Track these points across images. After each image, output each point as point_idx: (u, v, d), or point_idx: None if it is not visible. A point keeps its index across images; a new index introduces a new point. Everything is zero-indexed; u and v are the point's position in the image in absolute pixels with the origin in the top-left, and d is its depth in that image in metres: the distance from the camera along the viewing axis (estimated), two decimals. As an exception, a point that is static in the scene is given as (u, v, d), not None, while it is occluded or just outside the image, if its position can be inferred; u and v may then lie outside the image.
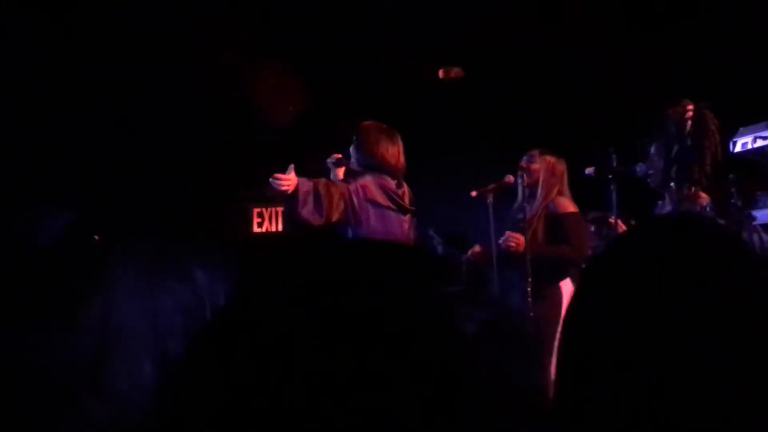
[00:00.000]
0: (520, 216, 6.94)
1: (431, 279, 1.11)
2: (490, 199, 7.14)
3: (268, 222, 10.55)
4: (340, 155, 6.58)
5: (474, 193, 7.27)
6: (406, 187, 6.54)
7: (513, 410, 2.24)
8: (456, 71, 9.03)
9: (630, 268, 1.15)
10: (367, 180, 6.27)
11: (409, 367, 1.04)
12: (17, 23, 8.68)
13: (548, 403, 2.47)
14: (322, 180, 6.22)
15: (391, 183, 6.38)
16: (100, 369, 1.77)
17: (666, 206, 6.01)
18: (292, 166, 6.18)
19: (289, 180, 6.09)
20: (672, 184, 5.94)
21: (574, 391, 1.14)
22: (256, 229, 10.54)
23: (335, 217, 6.16)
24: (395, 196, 6.39)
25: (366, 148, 6.39)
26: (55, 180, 9.80)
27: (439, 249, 9.61)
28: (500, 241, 6.80)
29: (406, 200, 6.50)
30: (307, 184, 6.08)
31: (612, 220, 6.73)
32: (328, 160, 6.64)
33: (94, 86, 9.26)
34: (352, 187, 6.22)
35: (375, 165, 6.36)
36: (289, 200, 6.10)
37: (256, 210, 10.56)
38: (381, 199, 6.30)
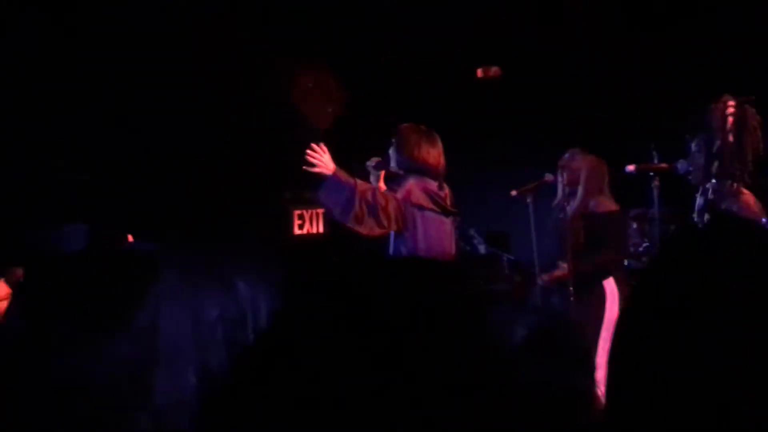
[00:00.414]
0: (561, 215, 6.93)
1: (478, 299, 1.11)
2: (529, 198, 7.15)
3: (309, 224, 10.55)
4: (378, 159, 6.58)
5: (514, 193, 7.28)
6: (447, 189, 6.54)
7: (559, 419, 2.23)
8: (495, 70, 8.99)
9: (683, 276, 1.14)
10: (411, 184, 6.27)
11: (455, 388, 1.03)
12: (29, 22, 8.75)
13: (596, 413, 2.45)
14: (373, 187, 6.24)
15: (434, 185, 6.39)
16: (147, 381, 1.78)
17: (698, 201, 5.98)
18: (322, 144, 6.22)
19: (322, 158, 6.16)
20: (713, 180, 5.91)
21: (627, 405, 1.13)
22: (296, 231, 10.56)
23: (394, 227, 6.18)
24: (438, 199, 6.39)
25: (407, 150, 6.39)
26: (100, 186, 9.87)
27: (481, 249, 9.62)
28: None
29: (448, 202, 6.50)
30: (361, 188, 6.11)
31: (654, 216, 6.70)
32: (368, 164, 6.64)
33: (140, 88, 9.30)
34: (399, 195, 6.23)
35: (417, 167, 6.36)
36: (326, 187, 6.16)
37: (296, 212, 10.57)
38: (425, 202, 6.31)
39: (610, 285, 6.80)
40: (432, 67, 9.29)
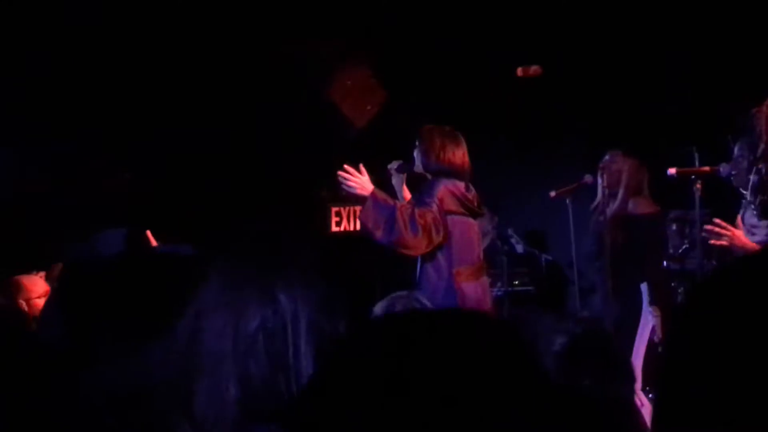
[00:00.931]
0: (601, 218, 6.91)
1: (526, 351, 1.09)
2: (568, 199, 7.12)
3: (346, 221, 10.56)
4: (401, 161, 6.55)
5: (553, 194, 7.25)
6: (473, 190, 6.47)
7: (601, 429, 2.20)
8: (534, 69, 8.97)
9: (739, 300, 1.11)
10: (442, 191, 6.21)
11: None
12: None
13: (636, 423, 2.43)
14: (412, 204, 6.20)
15: (462, 186, 6.33)
16: (190, 390, 1.77)
17: (749, 207, 5.93)
18: (361, 165, 6.19)
19: (357, 178, 6.14)
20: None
21: (677, 420, 1.11)
22: (334, 228, 10.56)
23: (436, 241, 6.17)
24: (467, 201, 6.34)
25: (433, 152, 6.32)
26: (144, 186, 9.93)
27: (519, 248, 9.58)
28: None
29: (476, 203, 6.45)
30: (401, 206, 6.10)
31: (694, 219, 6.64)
32: (390, 167, 6.61)
33: (179, 86, 9.34)
34: (430, 202, 6.18)
35: (443, 169, 6.29)
36: (366, 208, 6.15)
37: (334, 209, 10.59)
38: (455, 207, 6.27)
39: (647, 289, 6.77)
40: (472, 66, 9.26)
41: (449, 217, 6.22)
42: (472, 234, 6.39)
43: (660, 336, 6.72)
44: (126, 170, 10.08)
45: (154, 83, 9.26)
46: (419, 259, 6.25)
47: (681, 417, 1.10)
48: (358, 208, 10.51)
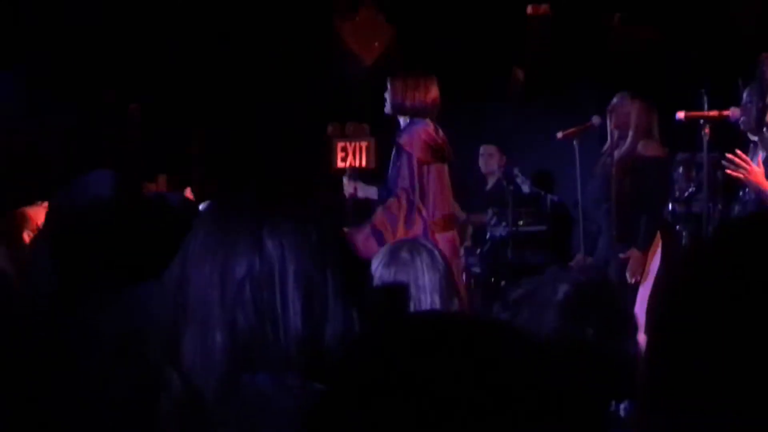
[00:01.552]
0: (609, 160, 6.87)
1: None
2: (575, 141, 7.08)
3: (351, 157, 10.53)
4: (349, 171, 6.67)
5: (560, 135, 7.21)
6: (441, 131, 6.48)
7: (604, 383, 2.18)
8: (545, 8, 8.88)
9: (741, 262, 1.08)
10: (411, 144, 6.26)
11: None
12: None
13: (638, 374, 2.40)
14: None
15: (431, 130, 6.35)
16: (177, 338, 1.75)
17: (758, 152, 5.88)
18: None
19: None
20: (765, 129, 5.81)
21: (666, 382, 1.08)
22: (339, 164, 10.53)
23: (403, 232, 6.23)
24: (437, 147, 6.38)
25: (402, 91, 6.37)
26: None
27: (525, 188, 9.55)
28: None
29: (445, 147, 6.46)
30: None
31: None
32: (347, 186, 6.68)
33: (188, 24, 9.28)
34: (404, 156, 6.25)
35: (413, 108, 6.34)
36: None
37: (340, 144, 10.55)
38: (428, 156, 6.32)
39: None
40: (481, 4, 9.16)
41: (424, 168, 6.26)
42: (445, 182, 6.41)
43: (633, 278, 6.70)
44: (134, 103, 10.04)
45: (164, 17, 9.19)
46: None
47: (673, 382, 1.07)
48: (364, 144, 10.53)
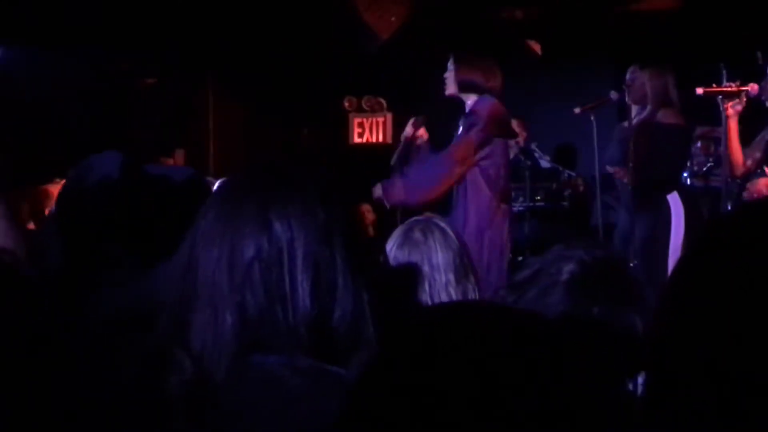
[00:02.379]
0: (626, 124, 6.85)
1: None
2: (593, 116, 7.04)
3: (368, 133, 10.52)
4: (413, 119, 6.67)
5: (577, 110, 7.17)
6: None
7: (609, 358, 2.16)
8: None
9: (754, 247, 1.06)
10: (489, 115, 6.34)
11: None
12: None
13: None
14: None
15: (501, 106, 6.44)
16: (186, 319, 1.75)
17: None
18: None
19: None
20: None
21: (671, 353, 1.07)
22: (356, 140, 10.53)
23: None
24: (508, 124, 6.58)
25: (478, 70, 6.46)
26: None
27: (543, 163, 9.52)
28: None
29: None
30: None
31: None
32: (409, 130, 6.67)
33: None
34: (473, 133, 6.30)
35: (488, 88, 6.42)
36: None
37: (357, 120, 10.55)
38: (499, 130, 6.47)
39: (675, 201, 6.67)
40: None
41: (495, 140, 6.35)
42: (506, 158, 6.51)
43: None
44: (149, 76, 10.05)
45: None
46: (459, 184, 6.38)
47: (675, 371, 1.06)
48: (380, 119, 10.51)
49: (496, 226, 6.35)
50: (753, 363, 0.99)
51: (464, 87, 6.42)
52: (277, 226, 1.73)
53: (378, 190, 6.50)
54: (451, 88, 6.45)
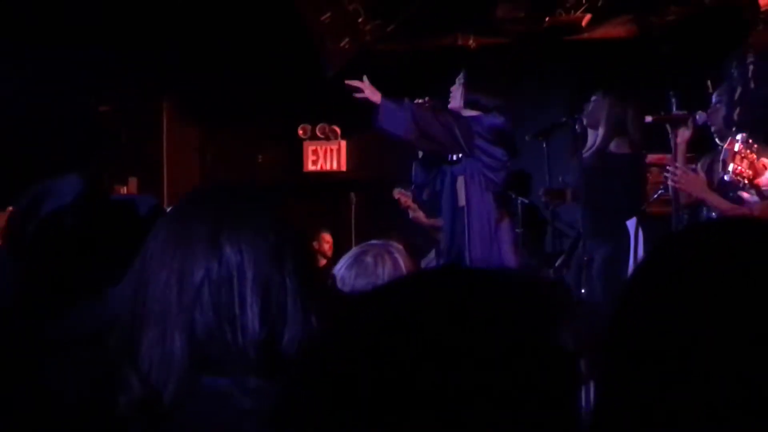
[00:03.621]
0: (580, 155, 6.90)
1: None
2: (544, 142, 7.09)
3: (323, 160, 10.53)
4: (428, 99, 6.67)
5: (528, 137, 7.23)
6: None
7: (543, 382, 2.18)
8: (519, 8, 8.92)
9: (688, 270, 1.09)
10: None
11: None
12: None
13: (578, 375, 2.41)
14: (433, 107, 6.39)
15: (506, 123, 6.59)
16: (136, 339, 1.75)
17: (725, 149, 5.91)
18: (365, 76, 6.31)
19: (365, 86, 6.25)
20: (734, 128, 5.84)
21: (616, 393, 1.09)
22: (310, 167, 10.54)
23: (467, 149, 6.41)
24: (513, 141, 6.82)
25: (492, 88, 6.52)
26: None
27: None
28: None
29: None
30: (417, 105, 6.37)
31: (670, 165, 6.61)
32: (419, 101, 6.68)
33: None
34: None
35: (499, 105, 6.58)
36: (381, 114, 6.23)
37: (311, 147, 10.56)
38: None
39: (633, 226, 6.72)
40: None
41: (502, 154, 6.47)
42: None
43: None
44: (102, 104, 10.01)
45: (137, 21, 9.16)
46: (466, 209, 6.40)
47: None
48: (334, 147, 10.53)
49: (503, 229, 6.45)
50: (699, 374, 1.02)
51: (470, 104, 6.49)
52: (228, 249, 1.74)
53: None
54: (455, 102, 6.51)
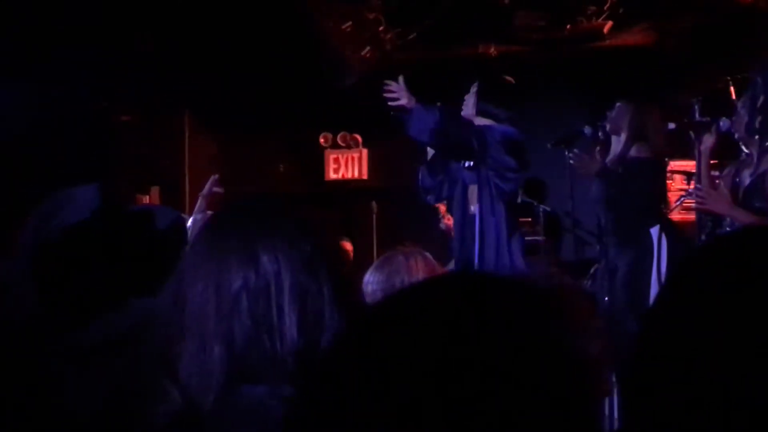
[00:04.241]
0: (606, 161, 6.89)
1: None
2: (567, 150, 7.07)
3: (344, 168, 10.54)
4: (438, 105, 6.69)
5: (550, 145, 7.22)
6: None
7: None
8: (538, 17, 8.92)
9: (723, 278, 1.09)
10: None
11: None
12: None
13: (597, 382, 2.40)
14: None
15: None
16: (174, 351, 1.76)
17: (753, 158, 5.90)
18: (401, 76, 6.29)
19: (401, 91, 6.24)
20: (756, 137, 5.82)
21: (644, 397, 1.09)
22: (332, 176, 10.55)
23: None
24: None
25: (507, 99, 6.54)
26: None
27: (517, 199, 9.54)
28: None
29: None
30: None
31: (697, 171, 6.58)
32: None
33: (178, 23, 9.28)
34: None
35: (501, 117, 6.54)
36: (412, 119, 6.23)
37: (332, 156, 10.57)
38: None
39: (656, 233, 6.70)
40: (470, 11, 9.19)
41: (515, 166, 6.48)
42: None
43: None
44: (124, 113, 10.04)
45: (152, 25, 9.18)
46: (477, 217, 6.40)
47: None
48: (355, 155, 10.54)
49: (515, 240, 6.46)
50: (731, 387, 1.02)
51: (483, 113, 6.50)
52: (264, 258, 1.75)
53: None
54: (468, 110, 6.52)
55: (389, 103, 6.30)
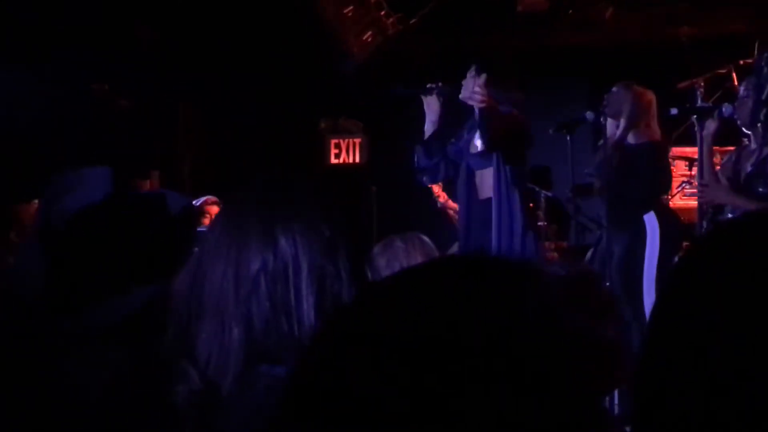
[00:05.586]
0: (601, 144, 6.88)
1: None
2: (568, 136, 7.07)
3: (345, 153, 10.53)
4: (439, 84, 6.60)
5: (552, 130, 7.22)
6: None
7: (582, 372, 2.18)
8: (541, 2, 8.90)
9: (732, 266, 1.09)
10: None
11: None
12: None
13: (623, 364, 2.41)
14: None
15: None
16: (193, 332, 1.77)
17: (752, 145, 5.90)
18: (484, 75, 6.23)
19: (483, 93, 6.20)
20: (759, 124, 5.83)
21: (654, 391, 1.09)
22: (333, 161, 10.54)
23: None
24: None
25: (509, 81, 6.49)
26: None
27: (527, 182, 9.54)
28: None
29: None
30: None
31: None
32: (430, 87, 6.61)
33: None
34: None
35: (514, 100, 6.49)
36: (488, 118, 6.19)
37: (333, 141, 10.55)
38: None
39: (650, 220, 6.70)
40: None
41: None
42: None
43: None
44: (123, 97, 10.02)
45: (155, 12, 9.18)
46: (495, 198, 6.35)
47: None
48: (357, 140, 10.53)
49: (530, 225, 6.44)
50: (743, 383, 1.02)
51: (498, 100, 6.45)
52: (282, 241, 1.76)
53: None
54: (466, 93, 6.39)
55: (462, 97, 6.25)
